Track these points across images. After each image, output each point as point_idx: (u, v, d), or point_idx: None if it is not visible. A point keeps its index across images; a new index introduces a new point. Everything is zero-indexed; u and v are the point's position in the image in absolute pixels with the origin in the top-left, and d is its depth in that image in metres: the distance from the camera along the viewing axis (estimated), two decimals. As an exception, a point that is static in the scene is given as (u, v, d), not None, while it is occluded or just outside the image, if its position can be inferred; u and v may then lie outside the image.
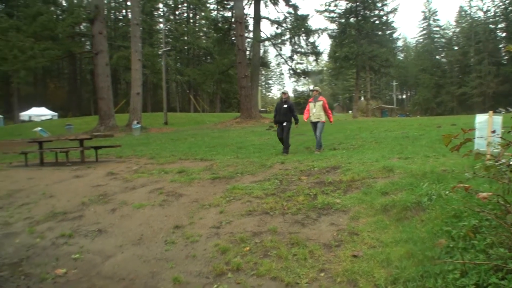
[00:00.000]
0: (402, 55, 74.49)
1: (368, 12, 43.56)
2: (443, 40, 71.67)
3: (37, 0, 24.73)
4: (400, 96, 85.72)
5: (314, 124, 9.13)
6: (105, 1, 41.34)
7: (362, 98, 63.81)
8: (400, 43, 66.31)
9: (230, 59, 30.02)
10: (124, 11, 48.21)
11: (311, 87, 12.05)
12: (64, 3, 35.38)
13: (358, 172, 5.47)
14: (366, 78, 52.56)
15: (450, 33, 71.74)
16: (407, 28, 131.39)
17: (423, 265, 2.58)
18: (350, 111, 65.27)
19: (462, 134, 1.71)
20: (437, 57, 70.75)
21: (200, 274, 3.20)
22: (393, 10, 44.58)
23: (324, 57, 59.67)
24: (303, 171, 6.32)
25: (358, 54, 40.49)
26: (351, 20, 43.92)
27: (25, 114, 41.11)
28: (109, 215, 5.07)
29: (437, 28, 72.85)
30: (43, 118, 39.70)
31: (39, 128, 22.15)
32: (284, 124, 9.14)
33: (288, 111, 9.24)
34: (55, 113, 43.90)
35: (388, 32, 46.81)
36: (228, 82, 44.86)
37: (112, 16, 49.49)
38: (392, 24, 46.77)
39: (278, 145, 9.83)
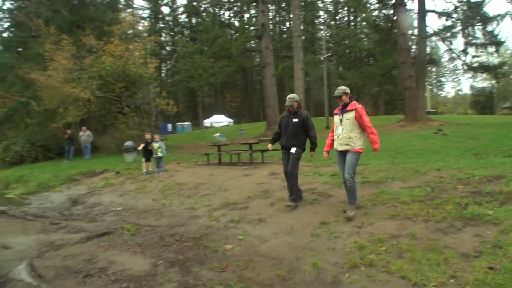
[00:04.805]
0: None
1: None
2: None
3: (215, 24, 29.19)
4: None
5: (342, 155, 5.15)
6: (270, 17, 45.30)
7: None
8: None
9: (394, 59, 28.76)
10: (287, 23, 51.50)
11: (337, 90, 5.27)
12: (236, 24, 40.37)
13: (526, 183, 4.90)
14: None
15: None
16: None
17: None
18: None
19: None
20: None
21: (336, 264, 3.67)
22: None
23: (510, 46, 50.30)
24: (460, 179, 5.95)
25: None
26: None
27: (207, 121, 48.52)
28: (268, 208, 5.99)
29: None
30: (221, 124, 45.95)
31: (218, 134, 25.88)
32: (292, 150, 5.76)
33: (299, 129, 5.76)
34: (231, 120, 50.29)
35: None
36: (392, 83, 42.80)
37: (277, 30, 53.51)
38: None
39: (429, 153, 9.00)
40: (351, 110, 5.02)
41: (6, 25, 37.97)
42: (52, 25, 19.51)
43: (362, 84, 35.17)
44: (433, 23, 41.26)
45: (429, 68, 43.53)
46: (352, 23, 53.73)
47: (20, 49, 26.76)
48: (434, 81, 73.25)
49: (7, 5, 34.44)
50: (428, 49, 29.23)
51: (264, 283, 3.54)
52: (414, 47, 27.03)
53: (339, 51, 48.36)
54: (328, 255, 3.94)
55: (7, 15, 35.58)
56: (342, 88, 5.23)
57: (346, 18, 55.42)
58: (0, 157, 19.53)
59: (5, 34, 36.78)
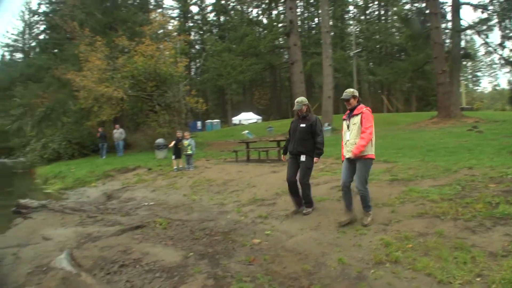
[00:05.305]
0: None
1: None
2: None
3: (243, 22, 29.45)
4: None
5: (349, 162, 4.86)
6: (299, 13, 44.91)
7: None
8: None
9: (427, 54, 27.93)
10: (316, 19, 50.98)
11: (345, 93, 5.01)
12: (264, 21, 40.46)
13: None
14: None
15: None
16: None
17: None
18: None
19: None
20: None
21: (361, 260, 3.72)
22: None
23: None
24: (493, 178, 5.79)
25: None
26: None
27: (236, 119, 48.87)
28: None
29: None
30: (250, 121, 46.17)
31: (246, 131, 26.07)
32: (302, 158, 5.43)
33: (307, 135, 5.41)
34: (259, 117, 50.43)
35: None
36: (425, 78, 41.52)
37: (306, 26, 53.05)
38: None
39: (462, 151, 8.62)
40: (357, 114, 4.77)
41: (42, 27, 39.97)
42: (86, 27, 20.35)
43: (393, 80, 34.38)
44: (468, 16, 39.68)
45: (464, 63, 41.95)
46: (383, 18, 52.53)
47: (56, 50, 28.04)
48: (469, 76, 70.40)
49: (43, 8, 36.02)
50: (463, 43, 28.17)
51: (290, 277, 3.64)
52: (448, 41, 26.16)
53: (369, 46, 47.40)
54: (353, 251, 3.99)
55: (43, 18, 37.37)
56: (350, 90, 4.95)
57: (376, 13, 54.23)
58: (39, 154, 20.64)
59: (41, 36, 38.70)
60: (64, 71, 19.80)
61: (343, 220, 4.84)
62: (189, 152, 11.18)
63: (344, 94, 4.93)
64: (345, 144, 4.89)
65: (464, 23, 24.27)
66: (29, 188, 14.46)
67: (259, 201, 6.72)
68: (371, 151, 4.72)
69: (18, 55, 49.66)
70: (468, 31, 26.32)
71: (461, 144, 11.09)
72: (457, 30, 23.37)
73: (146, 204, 7.95)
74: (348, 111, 4.94)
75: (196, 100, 20.55)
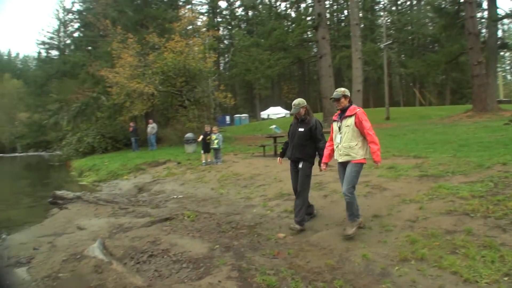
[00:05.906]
0: None
1: None
2: None
3: (271, 17, 29.32)
4: None
5: (342, 167, 4.60)
6: (327, 6, 44.22)
7: None
8: None
9: (461, 45, 26.84)
10: (345, 11, 50.06)
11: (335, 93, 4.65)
12: (292, 14, 40.08)
13: None
14: None
15: None
16: None
17: None
18: None
19: None
20: None
21: (386, 256, 3.71)
22: None
23: None
24: (528, 174, 5.58)
25: None
26: None
27: (264, 113, 48.93)
28: (321, 200, 6.08)
29: None
30: (278, 116, 46.09)
31: (274, 126, 26.00)
32: (299, 165, 5.08)
33: (306, 140, 5.01)
34: (288, 111, 50.23)
35: None
36: (460, 70, 39.91)
37: (335, 19, 52.14)
38: None
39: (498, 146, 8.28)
40: (350, 116, 4.45)
41: (76, 25, 41.52)
42: (118, 25, 20.93)
43: (426, 72, 33.19)
44: (505, 4, 37.78)
45: (501, 54, 39.98)
46: (415, 8, 50.81)
47: (90, 48, 29.03)
48: (507, 67, 67.01)
49: (77, 7, 37.31)
50: (499, 33, 26.89)
51: (314, 271, 3.68)
52: (483, 31, 25.04)
53: (400, 38, 46.00)
54: (378, 247, 3.98)
55: (77, 17, 38.76)
56: (341, 90, 4.62)
57: (408, 3, 52.56)
58: (74, 148, 21.58)
59: (76, 34, 40.17)
60: (98, 68, 20.49)
61: (351, 233, 4.43)
62: (215, 146, 11.34)
63: (334, 93, 4.64)
64: (336, 147, 4.61)
65: (501, 11, 23.06)
66: (65, 180, 15.16)
67: (285, 195, 6.76)
68: (364, 155, 4.47)
69: (54, 53, 51.71)
70: (505, 20, 25.11)
71: (496, 139, 10.66)
72: (494, 19, 22.27)
73: (175, 197, 8.17)
74: (339, 112, 4.67)
75: (224, 95, 20.71)
